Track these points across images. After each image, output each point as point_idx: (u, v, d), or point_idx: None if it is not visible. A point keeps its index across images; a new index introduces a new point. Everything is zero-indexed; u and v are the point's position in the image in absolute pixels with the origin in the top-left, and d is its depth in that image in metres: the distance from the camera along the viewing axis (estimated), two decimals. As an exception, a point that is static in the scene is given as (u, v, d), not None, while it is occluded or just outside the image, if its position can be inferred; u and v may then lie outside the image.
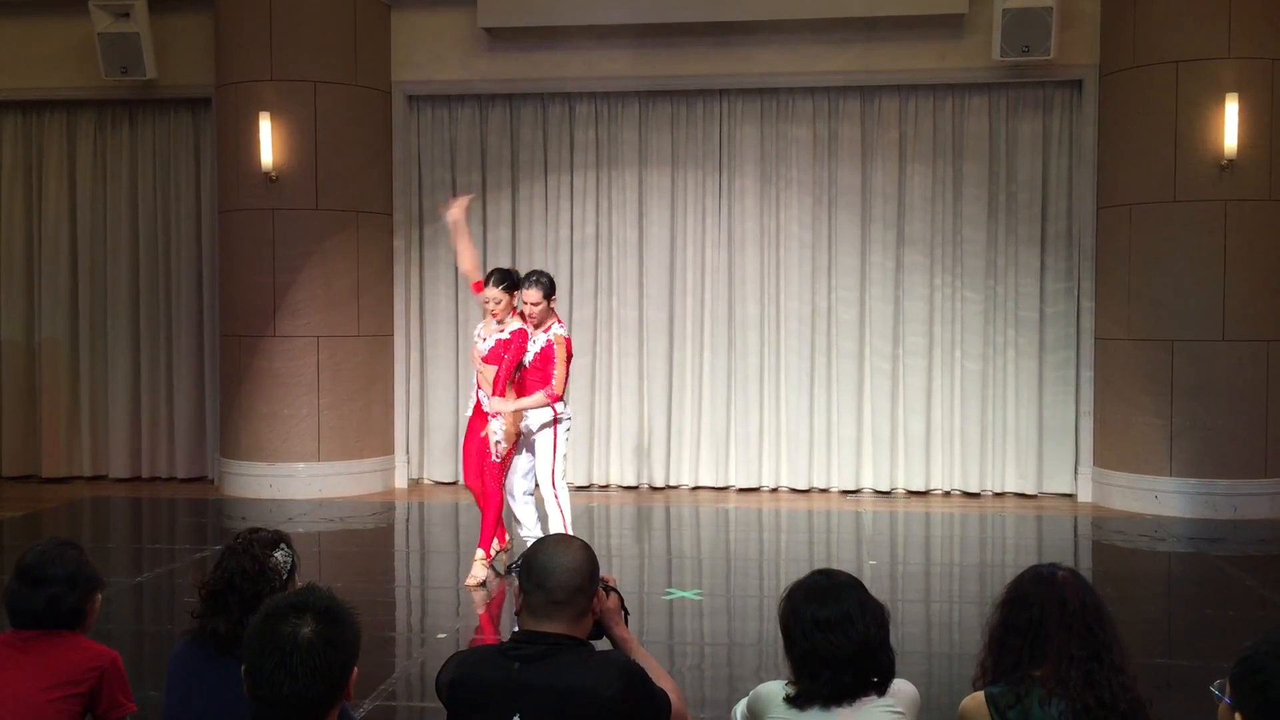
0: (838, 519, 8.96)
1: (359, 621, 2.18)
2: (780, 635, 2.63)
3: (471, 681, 2.58)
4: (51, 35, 10.27)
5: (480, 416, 6.75)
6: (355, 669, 2.14)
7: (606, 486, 10.12)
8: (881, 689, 2.54)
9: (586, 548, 2.71)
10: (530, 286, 6.62)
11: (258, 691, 2.06)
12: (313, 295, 9.57)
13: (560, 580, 2.60)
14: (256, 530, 3.02)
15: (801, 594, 2.60)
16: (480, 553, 6.69)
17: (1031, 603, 2.59)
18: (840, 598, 2.55)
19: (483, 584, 6.62)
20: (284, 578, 2.92)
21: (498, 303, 6.64)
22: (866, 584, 2.66)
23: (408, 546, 8.61)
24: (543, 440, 6.71)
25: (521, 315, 6.65)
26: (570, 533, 6.56)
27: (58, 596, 2.97)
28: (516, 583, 2.70)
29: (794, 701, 2.53)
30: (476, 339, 6.86)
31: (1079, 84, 9.48)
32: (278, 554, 2.94)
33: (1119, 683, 2.51)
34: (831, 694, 2.50)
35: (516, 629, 2.68)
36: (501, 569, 6.86)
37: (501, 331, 6.68)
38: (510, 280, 6.71)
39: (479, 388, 6.77)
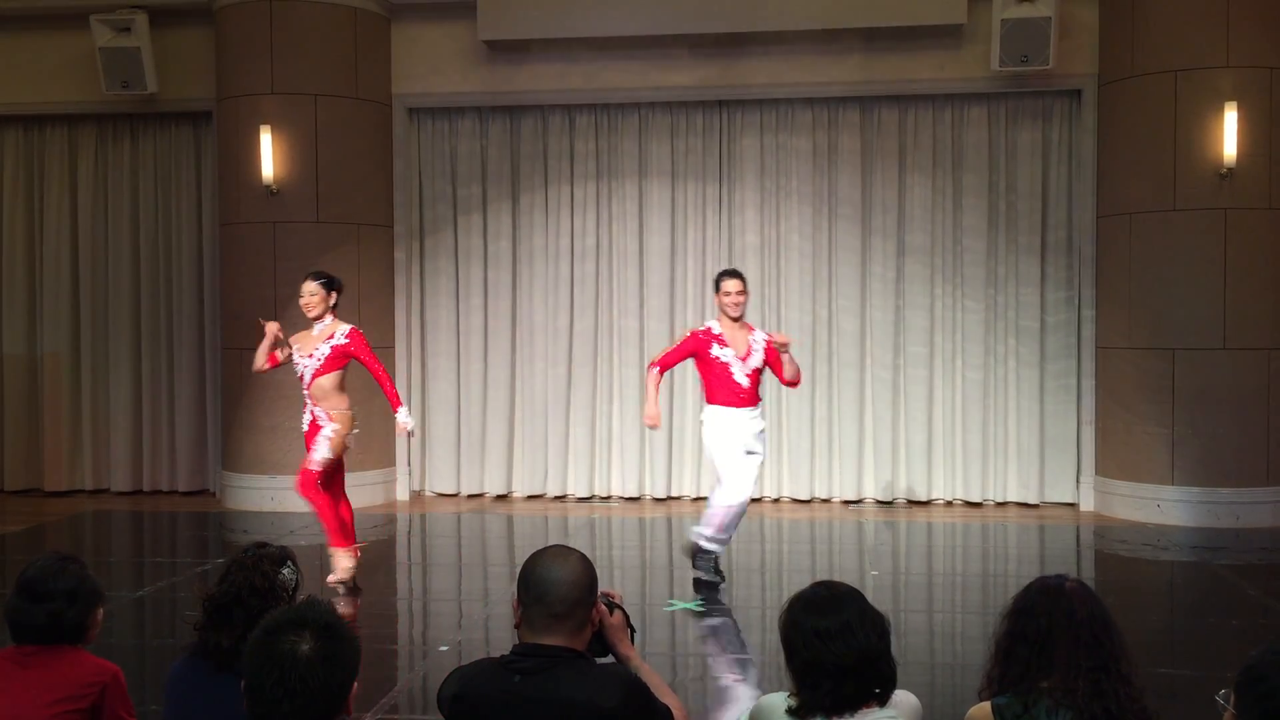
0: (839, 529, 8.95)
1: (359, 636, 2.18)
2: (782, 647, 2.63)
3: (472, 695, 2.57)
4: (53, 50, 10.30)
5: (315, 430, 6.79)
6: (355, 684, 2.13)
7: (608, 498, 10.12)
8: (883, 699, 2.54)
9: (584, 559, 2.69)
10: (733, 278, 6.78)
11: (257, 709, 2.05)
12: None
13: (559, 594, 2.59)
14: (264, 545, 3.02)
15: (802, 605, 2.60)
16: (342, 551, 6.76)
17: (1039, 613, 2.59)
18: (841, 608, 2.55)
19: (345, 582, 6.71)
20: (290, 595, 2.92)
21: (313, 295, 6.71)
22: (869, 594, 2.66)
23: (409, 559, 8.60)
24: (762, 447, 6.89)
25: (722, 309, 6.76)
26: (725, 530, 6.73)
27: (58, 611, 2.97)
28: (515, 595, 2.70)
29: (796, 713, 2.53)
30: (297, 360, 6.82)
31: (1078, 93, 9.49)
32: (285, 570, 2.94)
33: (1126, 694, 2.51)
34: (833, 705, 2.49)
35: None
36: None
37: (330, 338, 6.71)
38: (329, 280, 6.79)
39: (314, 403, 6.80)
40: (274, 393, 9.58)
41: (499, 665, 2.61)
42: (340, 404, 6.79)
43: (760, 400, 6.86)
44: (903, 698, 2.63)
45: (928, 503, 9.80)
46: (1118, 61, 9.09)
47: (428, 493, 10.39)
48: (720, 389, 6.71)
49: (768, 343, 6.77)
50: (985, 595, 6.94)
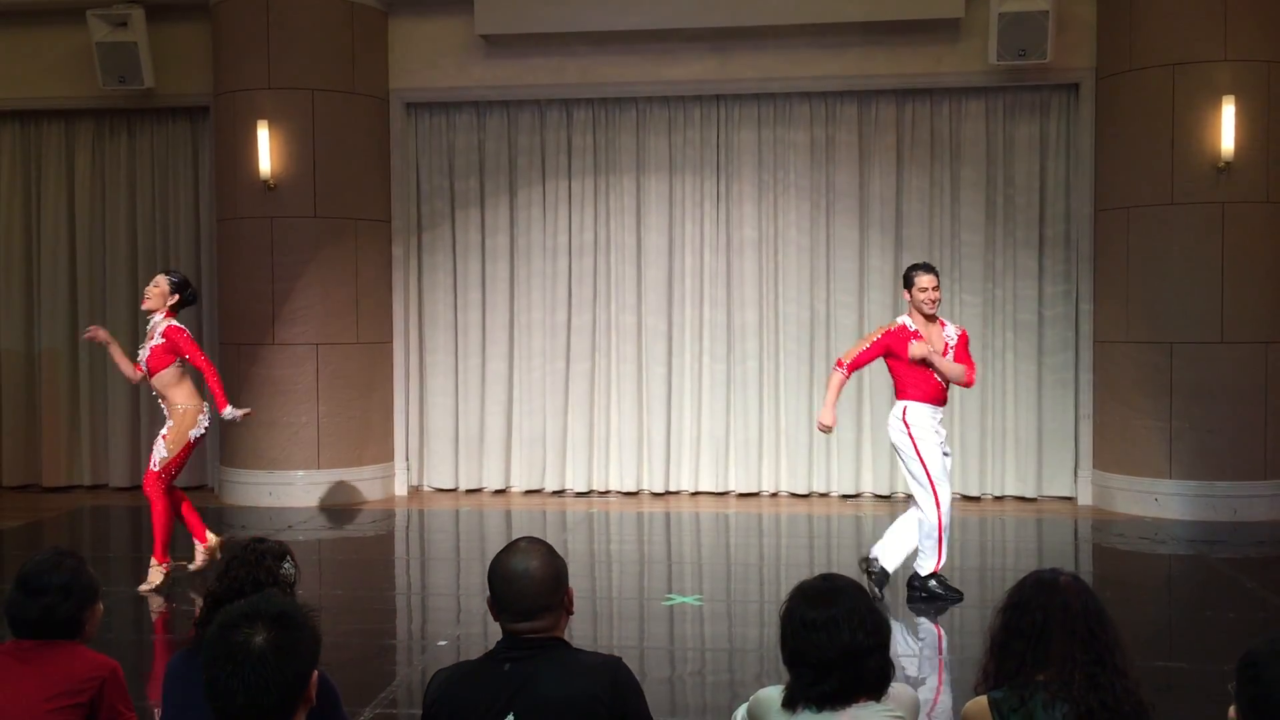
0: (838, 523, 8.95)
1: (318, 625, 2.15)
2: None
3: (462, 691, 2.59)
4: (49, 45, 10.29)
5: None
6: (315, 673, 2.12)
7: (606, 492, 10.12)
8: (877, 694, 2.54)
9: (548, 557, 2.68)
10: (928, 272, 6.39)
11: (216, 703, 2.05)
12: (311, 303, 9.58)
13: (525, 604, 2.62)
14: (262, 540, 3.03)
15: (799, 594, 2.60)
16: (156, 566, 6.75)
17: (1034, 607, 2.59)
18: (834, 602, 2.53)
19: (157, 590, 6.70)
20: (290, 589, 2.94)
21: (155, 287, 6.74)
22: (866, 588, 2.66)
23: (408, 553, 8.60)
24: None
25: (919, 307, 6.40)
26: None
27: (52, 606, 2.98)
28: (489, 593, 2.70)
29: (786, 704, 2.53)
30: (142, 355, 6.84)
31: (1075, 87, 9.49)
32: (285, 565, 2.96)
33: (1123, 686, 2.52)
34: (818, 698, 2.49)
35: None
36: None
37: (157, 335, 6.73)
38: (180, 281, 6.81)
39: (160, 398, 6.84)
40: (271, 388, 9.59)
41: (487, 658, 2.64)
42: (180, 398, 6.81)
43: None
44: (899, 691, 2.63)
45: (926, 497, 9.79)
46: (1115, 55, 9.09)
47: (426, 487, 10.40)
48: (919, 385, 6.34)
49: (961, 336, 6.52)
50: (983, 589, 6.94)
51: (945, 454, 6.43)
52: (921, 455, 6.31)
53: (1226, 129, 8.52)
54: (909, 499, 6.57)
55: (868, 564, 6.47)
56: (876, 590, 6.29)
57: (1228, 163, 8.56)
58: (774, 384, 9.98)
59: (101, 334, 6.96)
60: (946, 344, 6.42)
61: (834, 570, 2.78)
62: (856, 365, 6.45)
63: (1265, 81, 8.61)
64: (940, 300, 6.43)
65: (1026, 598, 2.63)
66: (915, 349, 6.28)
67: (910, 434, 6.32)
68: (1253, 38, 8.59)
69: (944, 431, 6.49)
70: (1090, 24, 9.30)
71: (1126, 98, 8.97)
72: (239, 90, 9.60)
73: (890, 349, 6.39)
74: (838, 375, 6.45)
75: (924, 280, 6.38)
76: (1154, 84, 8.77)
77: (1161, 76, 8.74)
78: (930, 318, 6.43)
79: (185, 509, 6.99)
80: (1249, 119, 8.55)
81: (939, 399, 6.39)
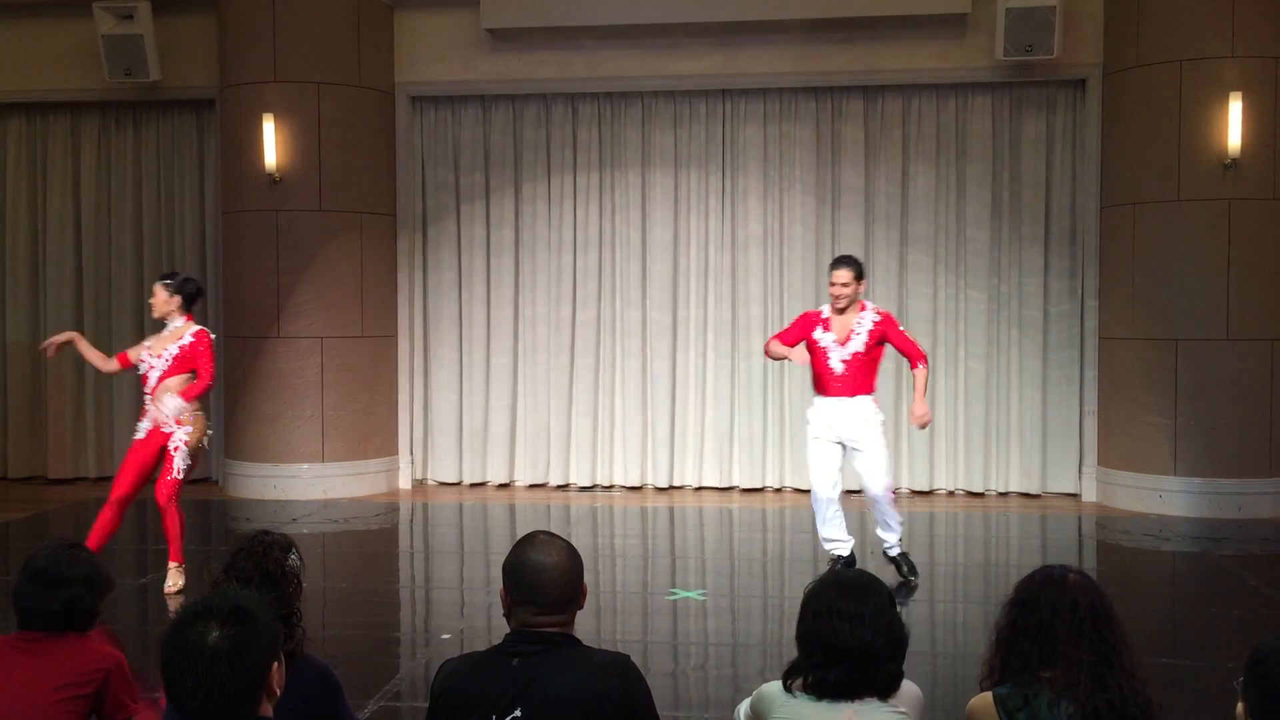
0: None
1: (270, 616, 2.15)
2: (791, 631, 2.63)
3: (469, 685, 2.59)
4: (55, 37, 10.30)
5: (159, 434, 6.57)
6: (276, 663, 2.12)
7: (610, 487, 10.13)
8: (884, 695, 2.53)
9: (571, 553, 2.68)
10: (841, 267, 6.48)
11: (175, 701, 2.04)
12: (316, 296, 9.59)
13: (551, 596, 2.62)
14: (267, 533, 3.03)
15: (832, 580, 2.61)
16: (174, 564, 6.66)
17: (1042, 605, 2.58)
18: (865, 599, 2.54)
19: (182, 591, 6.60)
20: (298, 580, 2.94)
21: (154, 297, 6.63)
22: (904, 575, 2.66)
23: (412, 547, 8.62)
24: (880, 440, 6.59)
25: (836, 299, 6.50)
26: None
27: (76, 598, 2.98)
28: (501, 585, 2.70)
29: (785, 676, 2.54)
30: (145, 360, 6.60)
31: (1082, 83, 9.47)
32: (292, 557, 2.97)
33: (1130, 687, 2.51)
34: (816, 684, 2.49)
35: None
36: None
37: (179, 340, 6.54)
38: (179, 282, 6.65)
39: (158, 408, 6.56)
40: (276, 381, 9.60)
41: (495, 651, 2.63)
42: (189, 406, 6.61)
43: (869, 390, 6.55)
44: (904, 687, 2.63)
45: (930, 493, 9.81)
46: (1122, 51, 9.07)
47: (430, 481, 10.41)
48: (817, 376, 6.56)
49: (879, 321, 6.50)
50: (987, 585, 6.95)
51: (852, 446, 6.58)
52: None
53: (1234, 125, 8.50)
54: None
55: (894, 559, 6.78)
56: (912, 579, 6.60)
57: (1234, 159, 8.54)
58: (778, 379, 9.97)
59: (54, 343, 6.72)
60: (851, 332, 6.49)
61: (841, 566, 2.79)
62: (781, 338, 6.58)
63: (1273, 78, 8.59)
64: (850, 296, 6.47)
65: (1034, 594, 2.62)
66: (774, 349, 6.52)
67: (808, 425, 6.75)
68: (1261, 34, 8.57)
69: (857, 423, 6.52)
70: (1097, 19, 9.28)
71: (1133, 94, 8.95)
72: (245, 83, 9.60)
73: (805, 332, 6.56)
74: (769, 345, 6.65)
75: (834, 275, 6.52)
76: (1161, 80, 8.75)
77: (1169, 72, 8.72)
78: (842, 312, 6.51)
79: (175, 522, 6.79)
80: (1256, 116, 8.53)
81: (825, 391, 6.55)
